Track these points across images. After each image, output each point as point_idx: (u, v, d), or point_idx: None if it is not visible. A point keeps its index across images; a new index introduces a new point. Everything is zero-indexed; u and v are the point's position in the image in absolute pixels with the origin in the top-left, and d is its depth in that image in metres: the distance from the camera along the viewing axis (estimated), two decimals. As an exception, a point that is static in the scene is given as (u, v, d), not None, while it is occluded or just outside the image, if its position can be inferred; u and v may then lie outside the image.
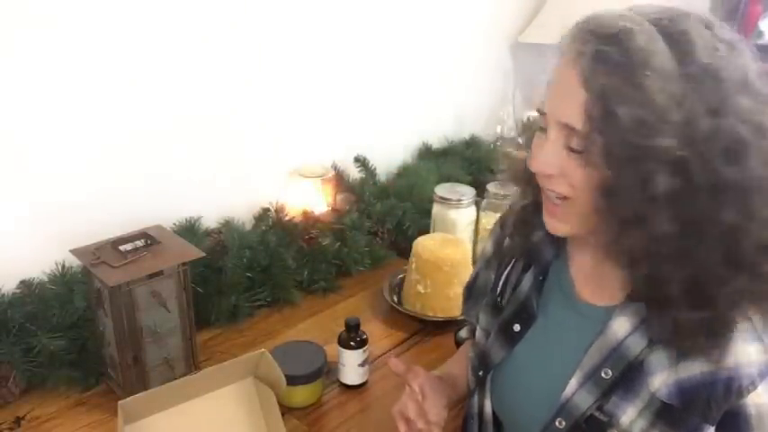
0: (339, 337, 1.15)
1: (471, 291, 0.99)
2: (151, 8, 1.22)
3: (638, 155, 0.62)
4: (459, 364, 0.99)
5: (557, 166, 0.69)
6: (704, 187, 0.62)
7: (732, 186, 0.62)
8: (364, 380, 1.16)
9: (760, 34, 2.44)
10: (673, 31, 0.63)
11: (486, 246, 0.97)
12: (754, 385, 0.66)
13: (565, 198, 0.70)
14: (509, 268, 0.88)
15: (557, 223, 0.74)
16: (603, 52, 0.62)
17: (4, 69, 1.08)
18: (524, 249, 0.85)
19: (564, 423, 0.76)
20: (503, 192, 1.50)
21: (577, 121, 0.65)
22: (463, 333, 1.07)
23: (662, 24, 0.63)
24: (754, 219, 0.63)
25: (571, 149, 0.67)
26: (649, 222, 0.63)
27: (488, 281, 0.93)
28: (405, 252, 1.45)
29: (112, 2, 1.17)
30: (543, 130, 0.71)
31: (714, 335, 0.66)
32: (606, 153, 0.63)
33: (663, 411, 0.69)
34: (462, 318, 1.07)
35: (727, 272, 0.64)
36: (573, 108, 0.65)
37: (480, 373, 0.87)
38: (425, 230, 1.54)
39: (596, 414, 0.73)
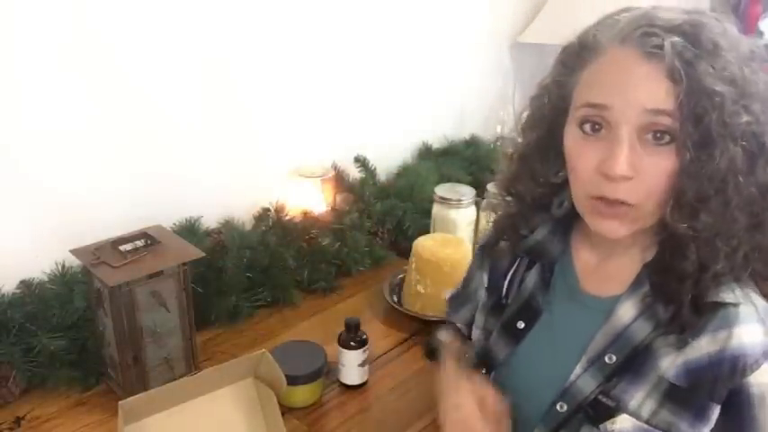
0: (339, 337, 1.15)
1: (461, 296, 0.99)
2: (151, 8, 1.22)
3: (729, 133, 0.65)
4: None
5: (636, 167, 0.67)
6: (759, 155, 0.67)
7: None
8: (364, 380, 1.16)
9: (760, 34, 2.44)
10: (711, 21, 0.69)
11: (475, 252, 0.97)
12: (757, 364, 0.67)
13: (630, 205, 0.69)
14: (514, 268, 0.88)
15: (618, 227, 0.71)
16: (682, 43, 0.65)
17: (3, 69, 1.09)
18: (528, 248, 0.85)
19: (565, 407, 0.76)
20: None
21: (667, 107, 0.65)
22: (443, 336, 0.99)
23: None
24: None
25: (656, 140, 0.67)
26: (724, 198, 0.66)
27: (481, 282, 0.93)
28: (405, 252, 1.45)
29: (115, 6, 1.17)
30: (598, 128, 0.69)
31: (718, 315, 0.69)
32: (701, 136, 0.65)
33: (671, 392, 0.70)
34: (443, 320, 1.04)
35: (753, 236, 0.69)
36: (660, 96, 0.65)
37: (483, 372, 0.87)
38: (425, 230, 1.54)
39: (602, 399, 0.73)
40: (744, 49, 0.68)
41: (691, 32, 0.66)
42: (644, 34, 0.67)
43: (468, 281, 0.98)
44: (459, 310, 0.99)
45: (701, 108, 0.64)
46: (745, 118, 0.65)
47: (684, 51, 0.65)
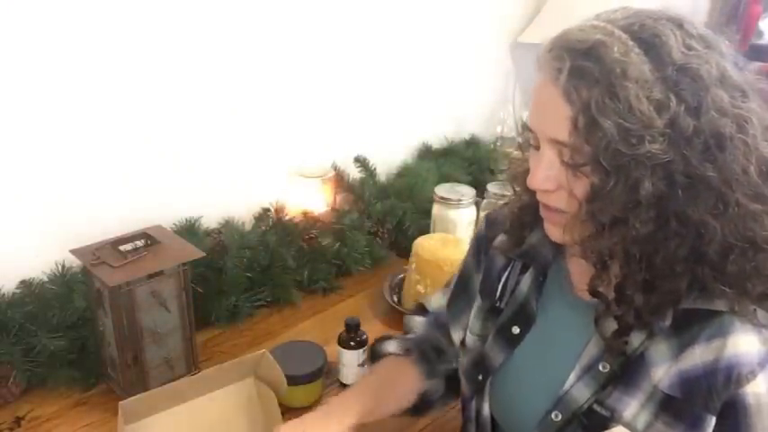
0: (339, 337, 1.15)
1: (460, 301, 0.96)
2: (152, 10, 1.22)
3: (626, 162, 0.63)
4: (367, 388, 0.92)
5: (555, 180, 0.69)
6: (683, 186, 0.63)
7: (707, 184, 0.63)
8: (364, 380, 1.16)
9: (760, 34, 2.45)
10: (645, 36, 0.64)
11: (470, 249, 0.96)
12: (753, 374, 0.66)
13: (563, 212, 0.71)
14: (508, 271, 0.87)
15: (560, 233, 0.73)
16: (581, 67, 0.63)
17: (8, 70, 1.09)
18: (522, 251, 0.84)
19: (560, 416, 0.75)
20: (503, 192, 1.51)
21: (565, 135, 0.65)
22: (391, 347, 0.98)
23: (633, 30, 0.64)
24: (724, 215, 0.64)
25: (564, 163, 0.68)
26: (628, 225, 0.65)
27: (476, 284, 0.92)
28: (405, 252, 1.45)
29: (113, 4, 1.17)
30: (536, 147, 0.71)
31: (713, 323, 0.68)
32: (594, 163, 0.64)
33: (665, 403, 0.69)
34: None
35: (688, 268, 0.66)
36: (559, 123, 0.65)
37: (480, 378, 0.86)
38: (425, 230, 1.54)
39: (597, 408, 0.73)
40: (681, 59, 0.62)
41: (595, 55, 0.63)
42: (553, 57, 0.66)
43: (464, 283, 0.96)
44: (460, 317, 0.94)
45: (591, 134, 0.63)
46: (648, 148, 0.62)
47: (582, 76, 0.63)
